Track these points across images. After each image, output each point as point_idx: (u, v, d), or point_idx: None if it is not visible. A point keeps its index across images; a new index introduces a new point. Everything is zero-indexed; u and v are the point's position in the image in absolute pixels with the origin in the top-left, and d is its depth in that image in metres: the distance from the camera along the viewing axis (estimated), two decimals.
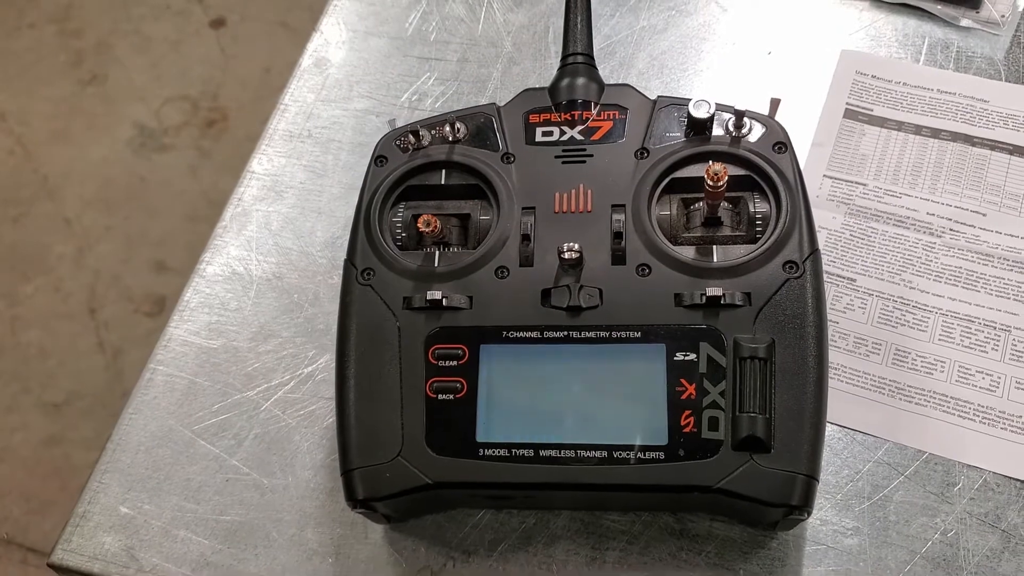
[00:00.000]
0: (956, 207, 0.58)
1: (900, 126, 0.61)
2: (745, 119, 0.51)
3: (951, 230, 0.57)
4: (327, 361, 0.56)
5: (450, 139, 0.53)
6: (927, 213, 0.58)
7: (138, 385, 0.57)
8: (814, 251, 0.48)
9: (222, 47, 1.98)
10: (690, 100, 0.51)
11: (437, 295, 0.48)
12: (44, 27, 2.03)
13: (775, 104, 0.51)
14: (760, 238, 0.49)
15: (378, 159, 0.53)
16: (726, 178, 0.47)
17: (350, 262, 0.50)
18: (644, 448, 0.45)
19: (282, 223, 0.62)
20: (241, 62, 1.94)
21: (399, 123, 0.63)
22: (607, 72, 0.65)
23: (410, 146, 0.53)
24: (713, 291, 0.46)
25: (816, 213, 0.57)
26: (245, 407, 0.56)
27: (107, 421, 1.56)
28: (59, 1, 2.06)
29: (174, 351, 0.58)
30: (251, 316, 0.59)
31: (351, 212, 0.53)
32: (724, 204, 0.50)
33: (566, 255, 0.47)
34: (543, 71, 0.66)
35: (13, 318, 1.65)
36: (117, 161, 1.81)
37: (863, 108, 0.62)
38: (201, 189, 1.74)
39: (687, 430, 0.45)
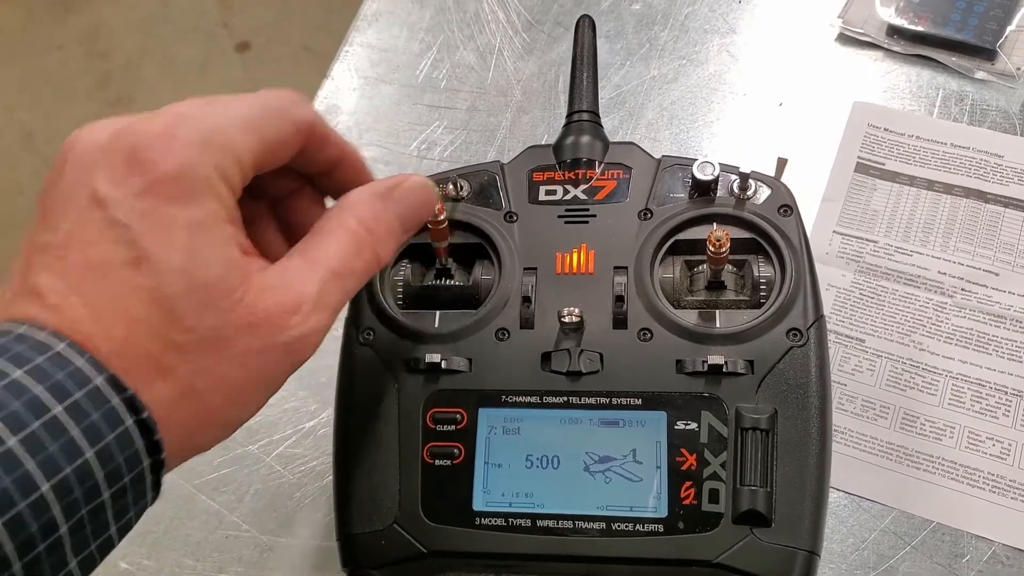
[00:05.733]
0: (968, 266, 0.57)
1: (912, 181, 0.60)
2: (750, 181, 0.50)
3: (963, 290, 0.56)
4: (329, 416, 0.56)
5: (453, 197, 0.53)
6: (938, 272, 0.57)
7: None
8: (819, 318, 0.47)
9: (247, 70, 2.00)
10: (695, 161, 0.50)
11: (436, 358, 0.48)
12: (72, 48, 2.06)
13: (782, 165, 0.51)
14: (764, 303, 0.48)
15: None
16: (728, 244, 0.46)
17: (350, 321, 0.50)
18: (643, 520, 0.44)
19: None
20: (265, 85, 1.95)
21: (406, 172, 0.63)
22: (616, 122, 0.65)
23: None
24: (715, 359, 0.46)
25: (826, 270, 0.56)
26: (246, 461, 0.56)
27: None
28: (88, 23, 2.09)
29: None
30: None
31: None
32: (728, 267, 0.49)
33: (566, 319, 0.47)
34: (552, 120, 0.66)
35: None
36: None
37: (875, 162, 0.61)
38: None
39: (687, 502, 0.44)
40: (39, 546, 0.28)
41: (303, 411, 0.57)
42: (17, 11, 2.11)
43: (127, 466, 0.31)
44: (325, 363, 0.58)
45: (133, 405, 0.31)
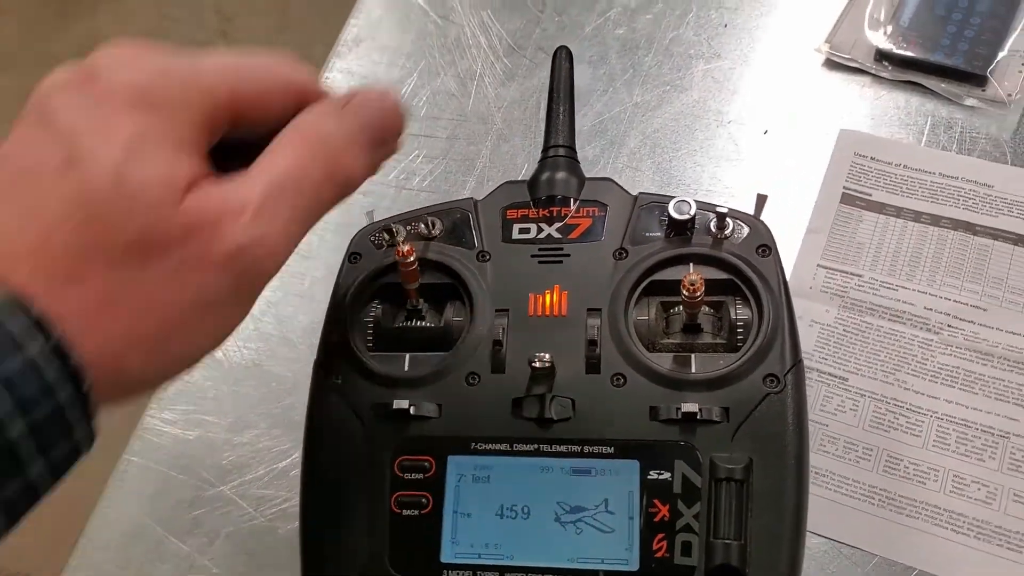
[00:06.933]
0: (955, 301, 0.56)
1: (899, 212, 0.59)
2: (728, 220, 0.49)
3: (949, 326, 0.55)
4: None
5: (425, 235, 0.51)
6: (924, 307, 0.55)
7: (112, 477, 0.57)
8: (797, 363, 0.46)
9: None
10: (672, 198, 0.49)
11: (404, 404, 0.46)
12: (70, 59, 2.05)
13: (762, 202, 0.49)
14: (741, 346, 0.47)
15: (352, 256, 0.52)
16: (703, 288, 0.45)
17: (319, 365, 0.49)
18: (614, 574, 0.43)
19: (264, 307, 0.61)
20: None
21: (384, 204, 0.62)
22: (597, 151, 0.63)
23: (384, 243, 0.51)
24: (689, 407, 0.44)
25: (809, 306, 0.55)
26: (218, 503, 0.55)
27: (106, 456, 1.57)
28: (85, 33, 2.08)
29: (149, 442, 0.57)
30: (228, 406, 0.58)
31: None
32: (705, 308, 0.48)
33: (536, 364, 0.46)
34: (532, 150, 0.64)
35: None
36: None
37: (861, 192, 0.60)
38: None
39: (659, 555, 0.43)
40: None
41: (277, 450, 0.56)
42: (13, 22, 2.11)
43: (44, 399, 0.27)
44: (299, 400, 0.57)
45: (42, 326, 0.28)
